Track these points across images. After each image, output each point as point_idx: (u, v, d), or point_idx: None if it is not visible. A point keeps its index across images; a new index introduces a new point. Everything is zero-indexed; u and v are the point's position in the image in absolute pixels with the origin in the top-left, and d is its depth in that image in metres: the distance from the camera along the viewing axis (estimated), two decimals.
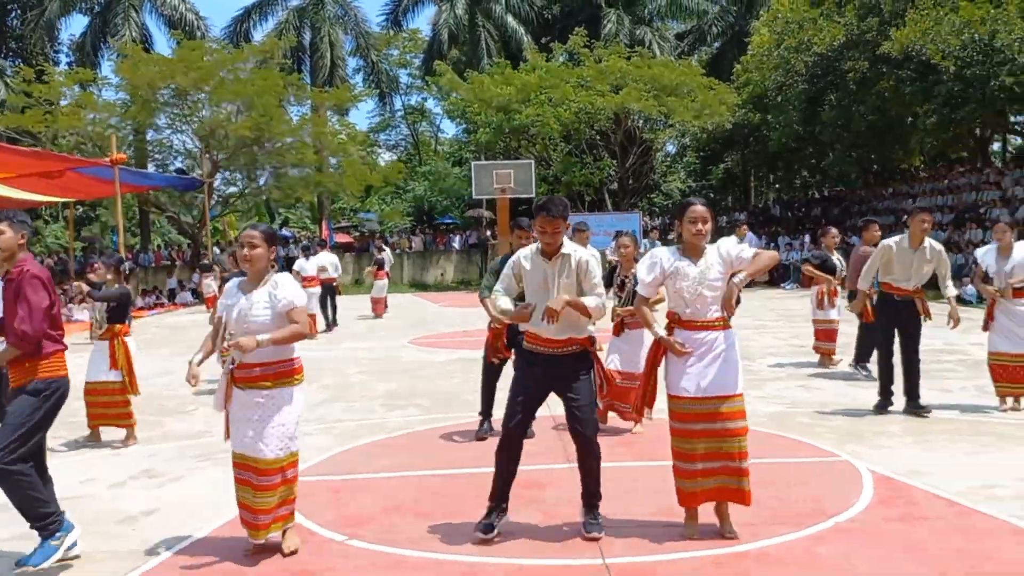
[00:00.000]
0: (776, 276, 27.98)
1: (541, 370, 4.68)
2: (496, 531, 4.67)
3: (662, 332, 4.67)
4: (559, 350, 4.65)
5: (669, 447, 4.74)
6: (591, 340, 4.74)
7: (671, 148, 39.06)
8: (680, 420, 4.64)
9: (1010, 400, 7.70)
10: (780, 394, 8.90)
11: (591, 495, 4.76)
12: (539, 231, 4.63)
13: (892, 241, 7.66)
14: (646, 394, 4.89)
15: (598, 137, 30.76)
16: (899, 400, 7.73)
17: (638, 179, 33.89)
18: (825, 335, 10.83)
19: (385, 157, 51.11)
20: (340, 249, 33.10)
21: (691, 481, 4.60)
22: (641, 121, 30.93)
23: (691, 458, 4.59)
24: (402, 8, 42.44)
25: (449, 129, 55.53)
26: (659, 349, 4.74)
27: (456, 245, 34.69)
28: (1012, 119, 28.95)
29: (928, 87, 22.85)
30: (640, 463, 6.27)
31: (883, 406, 7.64)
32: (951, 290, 7.60)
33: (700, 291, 4.59)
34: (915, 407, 7.55)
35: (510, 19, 37.86)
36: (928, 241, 7.56)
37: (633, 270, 7.20)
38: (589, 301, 4.57)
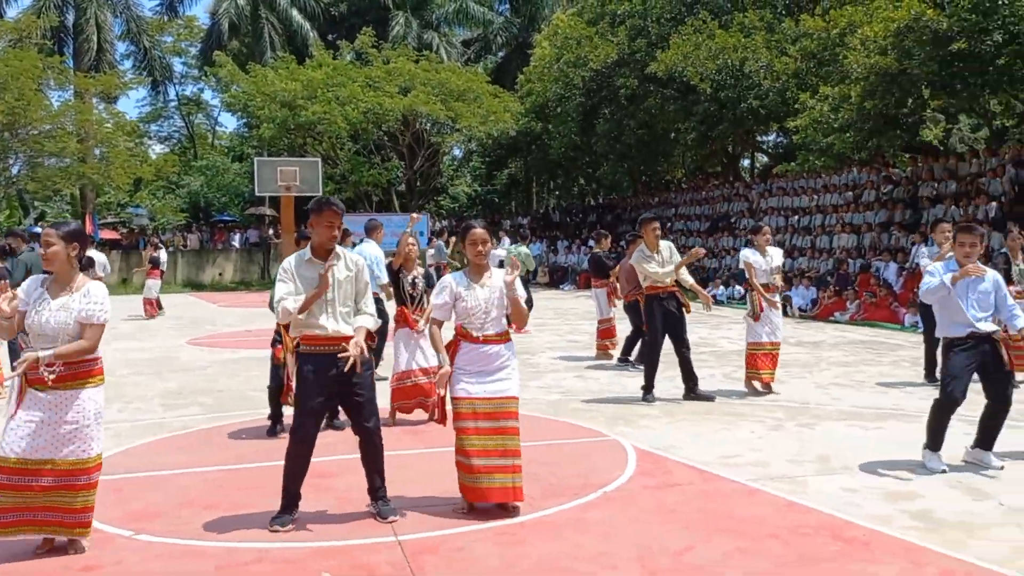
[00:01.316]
0: (556, 278, 29.49)
1: (324, 373, 4.71)
2: (290, 525, 4.76)
3: (446, 362, 4.99)
4: (340, 347, 4.74)
5: (452, 435, 5.07)
6: (371, 336, 4.96)
7: (458, 152, 39.94)
8: (464, 419, 4.96)
9: (757, 384, 8.74)
10: (558, 384, 9.55)
11: (377, 488, 4.94)
12: (326, 226, 4.73)
13: (636, 256, 8.52)
14: (444, 401, 5.15)
15: (386, 138, 30.87)
16: (661, 388, 8.59)
17: (426, 181, 34.36)
18: (607, 333, 11.68)
19: (157, 149, 48.31)
20: (106, 246, 30.89)
21: (473, 477, 4.93)
22: (429, 124, 31.38)
23: (473, 454, 4.91)
24: None
25: (229, 123, 53.30)
26: (452, 355, 5.05)
27: (236, 244, 33.40)
28: (759, 138, 32.33)
29: (688, 106, 25.04)
30: (428, 450, 6.59)
31: (648, 392, 8.43)
32: (688, 278, 8.59)
33: (487, 310, 5.00)
34: (697, 394, 8.41)
35: (295, 13, 37.04)
36: (662, 242, 8.53)
37: (416, 271, 7.54)
38: (367, 322, 4.83)
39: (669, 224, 29.02)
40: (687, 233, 27.67)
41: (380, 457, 4.93)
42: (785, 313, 17.48)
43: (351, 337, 4.76)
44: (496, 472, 4.90)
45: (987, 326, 5.71)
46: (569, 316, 17.79)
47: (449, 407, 5.10)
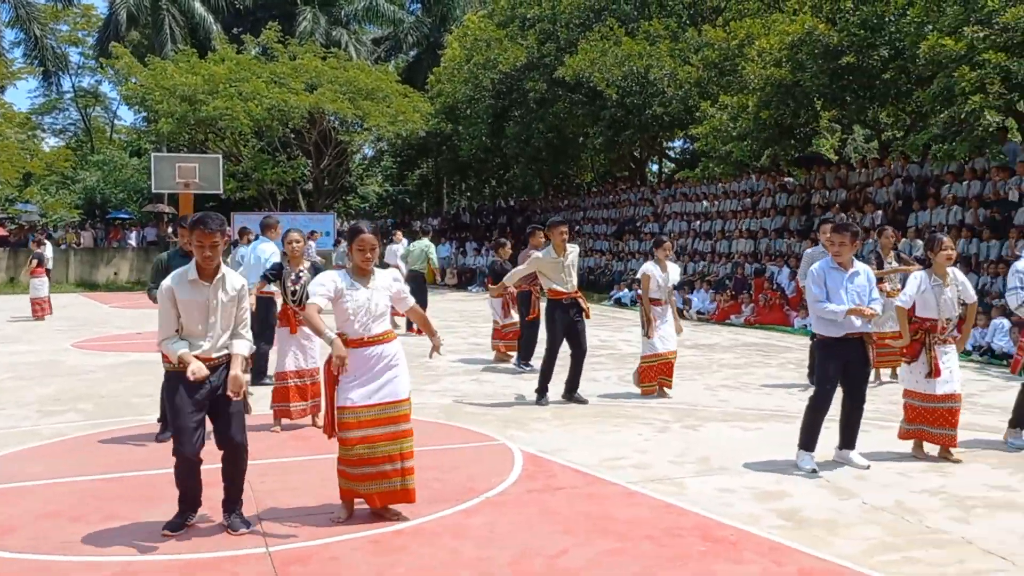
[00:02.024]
0: (464, 280, 29.48)
1: (196, 388, 4.61)
2: (184, 529, 4.69)
3: (333, 335, 4.77)
4: (211, 363, 4.64)
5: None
6: (248, 359, 4.83)
7: (369, 151, 39.46)
8: (348, 429, 4.84)
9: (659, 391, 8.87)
10: (454, 388, 9.52)
11: (233, 501, 4.82)
12: (196, 246, 4.58)
13: (540, 253, 8.53)
14: (333, 408, 4.97)
15: (292, 135, 30.27)
16: (555, 391, 8.65)
17: (334, 180, 33.83)
18: (501, 335, 11.69)
19: (50, 142, 46.24)
20: None
21: (357, 483, 4.85)
22: (336, 122, 30.92)
23: (359, 464, 4.82)
24: None
25: (128, 117, 51.43)
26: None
27: (132, 242, 32.15)
28: (667, 144, 33.02)
29: (596, 111, 25.38)
30: (312, 456, 6.45)
31: (542, 396, 8.47)
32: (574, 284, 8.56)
33: (370, 309, 4.90)
34: (574, 398, 8.50)
35: (198, 5, 35.94)
36: (569, 247, 8.52)
37: (302, 266, 7.43)
38: (243, 349, 4.69)
39: (577, 227, 29.36)
40: (594, 236, 28.06)
41: (242, 472, 4.81)
42: (684, 316, 18.02)
43: (225, 357, 4.68)
44: (382, 478, 4.84)
45: (863, 326, 5.94)
46: (474, 319, 17.79)
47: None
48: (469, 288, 28.01)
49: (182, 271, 4.68)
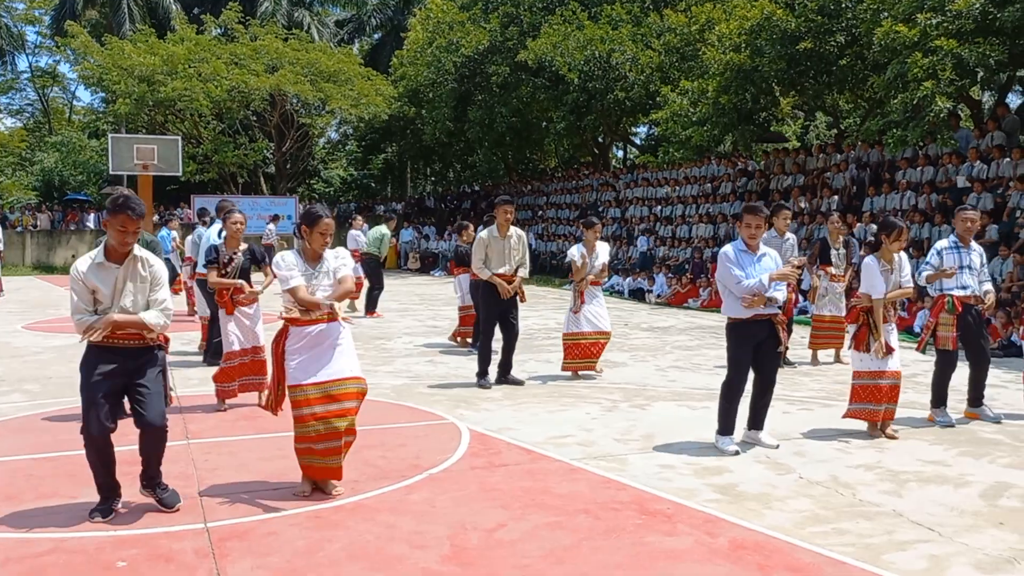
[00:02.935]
0: (427, 264, 29.40)
1: (113, 366, 4.56)
2: (113, 513, 4.60)
3: (327, 302, 4.93)
4: (133, 343, 4.61)
5: (290, 421, 5.00)
6: (166, 338, 4.80)
7: (333, 135, 39.10)
8: (299, 407, 4.89)
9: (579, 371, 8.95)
10: (408, 369, 9.52)
11: (152, 477, 4.78)
12: (119, 230, 4.49)
13: (484, 233, 8.49)
14: (277, 386, 5.05)
15: (254, 118, 29.91)
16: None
17: (296, 164, 33.49)
18: (469, 320, 11.66)
19: (7, 123, 45.24)
20: None
21: (321, 459, 4.90)
22: (299, 105, 30.58)
23: (315, 439, 4.86)
24: None
25: (86, 97, 50.43)
26: (282, 343, 4.96)
27: (91, 224, 31.60)
28: (632, 129, 33.09)
29: (559, 95, 25.35)
30: (258, 436, 6.44)
31: (483, 377, 8.45)
32: (526, 272, 8.54)
33: (315, 292, 4.96)
34: (509, 379, 8.52)
35: None
36: (513, 229, 8.48)
37: (237, 249, 7.41)
38: (148, 316, 4.58)
39: (541, 212, 29.41)
40: (557, 221, 28.11)
41: (161, 450, 4.75)
42: (644, 300, 18.20)
43: (143, 332, 4.61)
44: (330, 454, 4.88)
45: (770, 308, 5.95)
46: (433, 302, 17.78)
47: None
48: (432, 272, 27.96)
49: (92, 255, 4.60)
